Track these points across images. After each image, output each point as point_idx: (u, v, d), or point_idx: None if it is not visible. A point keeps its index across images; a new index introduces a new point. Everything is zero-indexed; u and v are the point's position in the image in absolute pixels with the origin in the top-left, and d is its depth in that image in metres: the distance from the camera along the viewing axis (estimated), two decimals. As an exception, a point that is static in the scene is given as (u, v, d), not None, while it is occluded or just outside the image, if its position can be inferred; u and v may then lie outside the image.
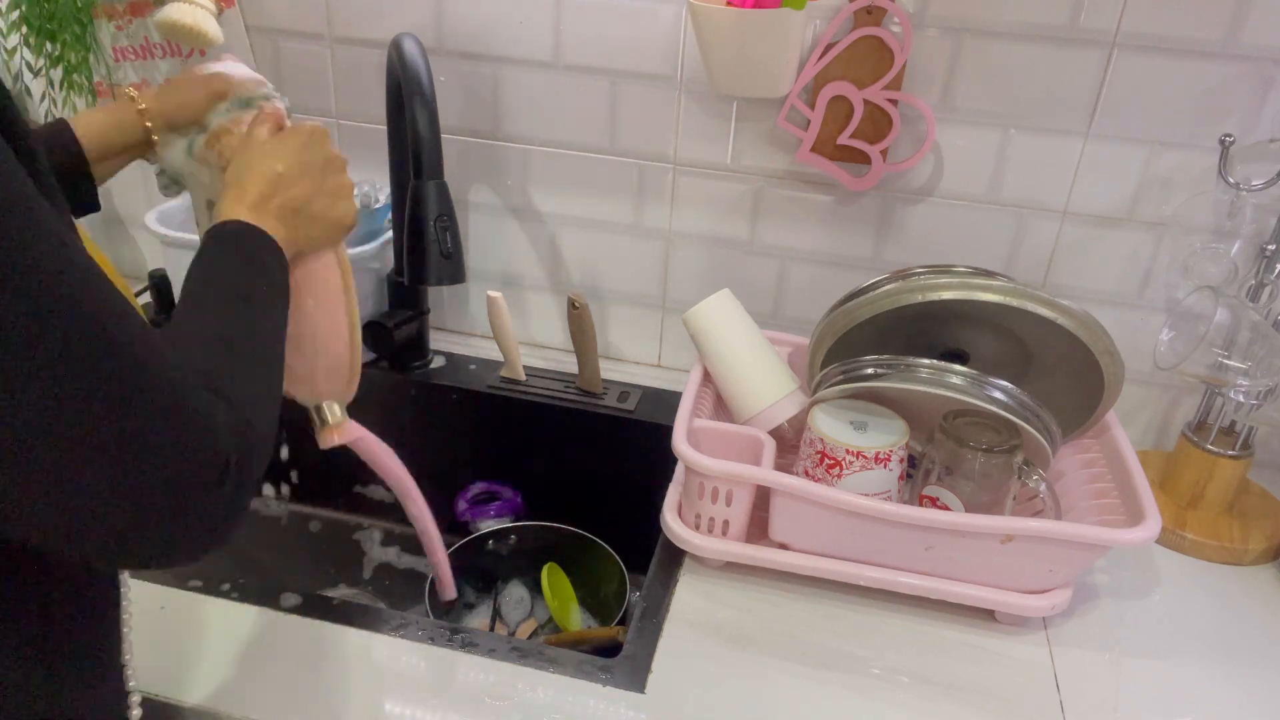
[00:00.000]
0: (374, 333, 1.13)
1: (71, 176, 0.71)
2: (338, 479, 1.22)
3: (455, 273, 0.93)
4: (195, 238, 1.10)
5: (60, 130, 0.71)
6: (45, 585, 0.52)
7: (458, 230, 0.93)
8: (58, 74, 1.15)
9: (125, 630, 0.59)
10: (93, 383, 0.41)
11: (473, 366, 1.20)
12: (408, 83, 0.90)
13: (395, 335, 1.13)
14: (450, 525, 1.18)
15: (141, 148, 0.75)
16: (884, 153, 1.02)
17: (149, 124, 0.74)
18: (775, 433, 0.95)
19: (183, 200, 1.21)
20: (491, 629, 1.08)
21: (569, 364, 1.19)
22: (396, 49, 0.93)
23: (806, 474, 0.87)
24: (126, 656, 0.60)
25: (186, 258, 1.19)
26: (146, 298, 1.26)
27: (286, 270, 0.64)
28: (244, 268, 0.61)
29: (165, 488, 0.44)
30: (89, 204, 0.73)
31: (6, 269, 0.38)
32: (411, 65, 0.90)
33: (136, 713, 0.61)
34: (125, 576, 0.59)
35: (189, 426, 0.45)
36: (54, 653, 0.53)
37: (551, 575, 1.10)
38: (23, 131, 0.45)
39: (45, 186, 0.45)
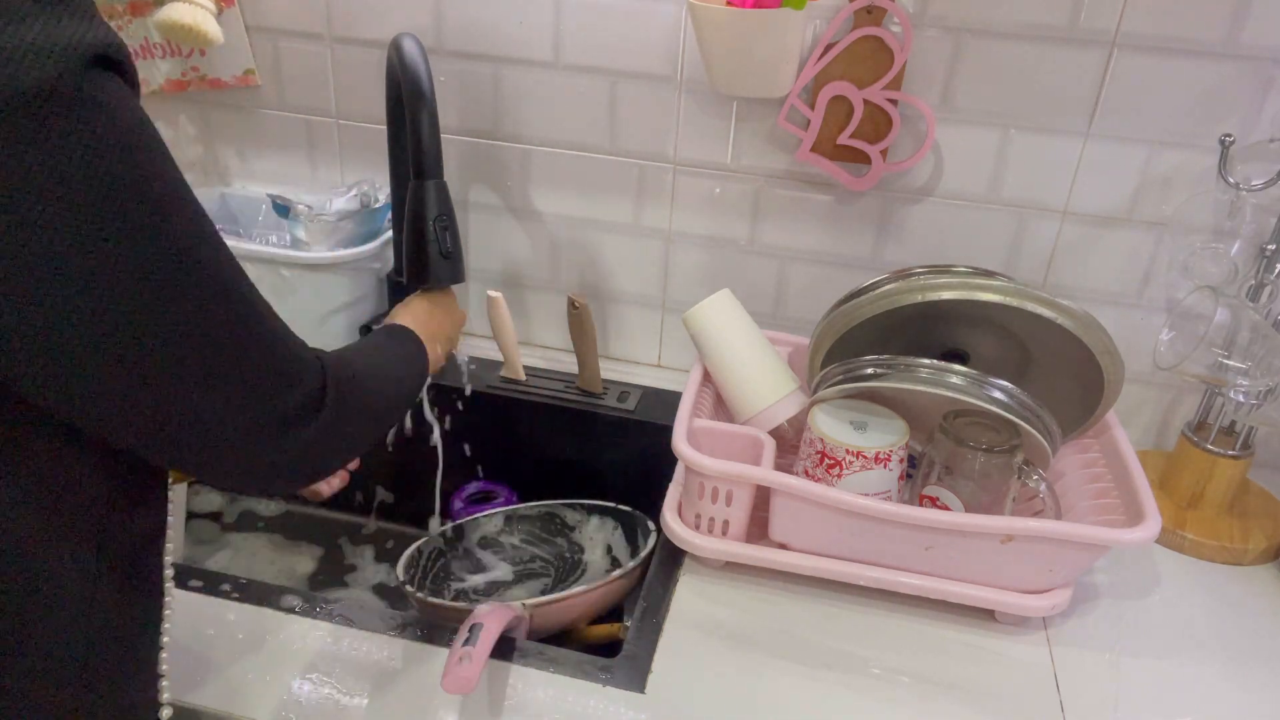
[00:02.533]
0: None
1: None
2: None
3: (455, 273, 0.93)
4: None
5: None
6: (90, 604, 0.53)
7: (457, 230, 0.93)
8: (57, 74, 1.14)
9: (164, 640, 0.60)
10: (227, 321, 0.50)
11: (473, 367, 1.20)
12: (408, 83, 0.90)
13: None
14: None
15: None
16: (884, 153, 1.02)
17: None
18: (775, 433, 0.95)
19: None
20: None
21: (569, 364, 1.19)
22: (396, 49, 0.93)
23: (806, 474, 0.87)
24: (164, 668, 0.60)
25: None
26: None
27: (426, 361, 0.80)
28: (402, 345, 0.78)
29: (266, 385, 0.53)
30: None
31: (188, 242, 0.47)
32: (411, 66, 0.90)
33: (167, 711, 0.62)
34: (170, 586, 0.60)
35: (291, 357, 0.55)
36: (93, 670, 0.54)
37: None
38: None
39: None
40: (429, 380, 0.81)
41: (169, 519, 0.59)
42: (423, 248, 0.91)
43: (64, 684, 0.53)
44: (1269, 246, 0.94)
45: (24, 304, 0.42)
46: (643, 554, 0.93)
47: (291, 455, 0.55)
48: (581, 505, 1.11)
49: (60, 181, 0.41)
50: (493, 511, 1.13)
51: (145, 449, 0.51)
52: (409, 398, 0.74)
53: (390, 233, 1.15)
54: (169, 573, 0.60)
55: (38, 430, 0.48)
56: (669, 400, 1.10)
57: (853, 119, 1.01)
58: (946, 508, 0.85)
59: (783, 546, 0.88)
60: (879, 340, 0.92)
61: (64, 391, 0.45)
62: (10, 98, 0.39)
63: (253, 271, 1.19)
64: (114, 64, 0.44)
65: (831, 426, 0.87)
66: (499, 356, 1.18)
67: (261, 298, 0.53)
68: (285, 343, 0.54)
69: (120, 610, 0.56)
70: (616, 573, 0.90)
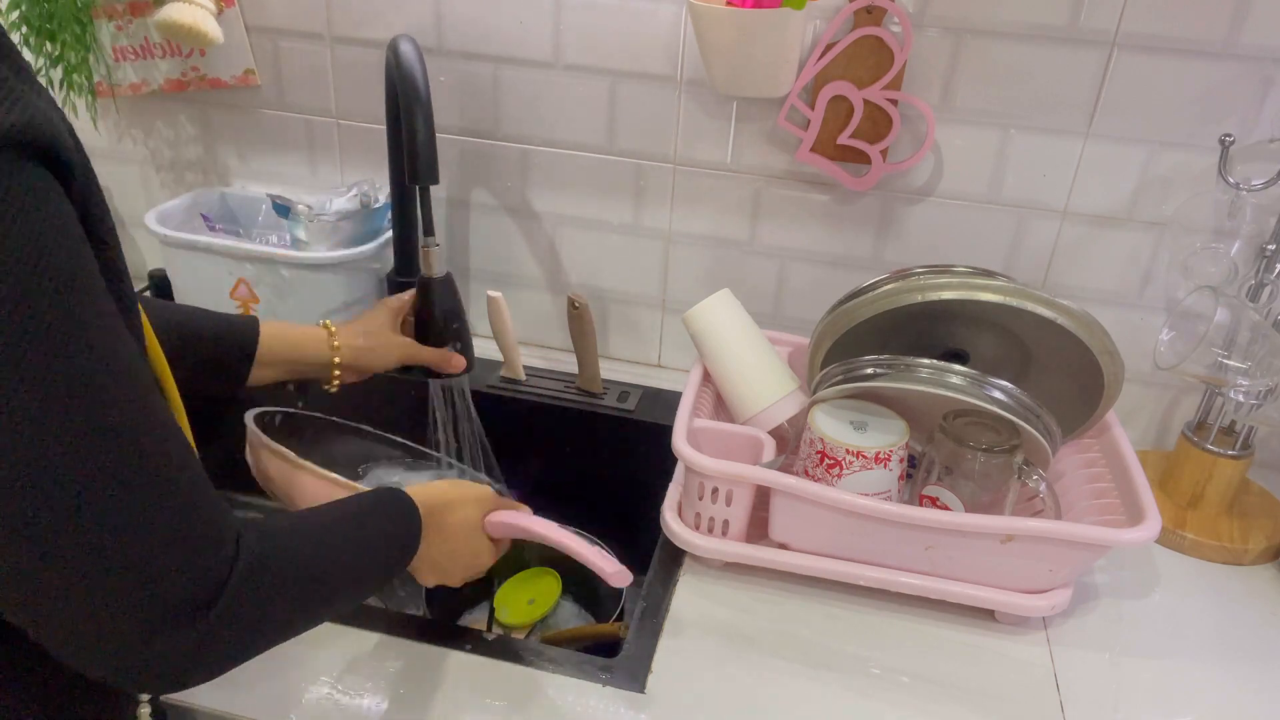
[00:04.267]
0: None
1: (228, 364, 0.79)
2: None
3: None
4: (193, 237, 1.11)
5: (248, 323, 0.80)
6: None
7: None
8: (57, 74, 1.15)
9: None
10: (114, 477, 0.42)
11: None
12: (403, 86, 0.90)
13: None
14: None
15: (317, 373, 0.85)
16: (884, 153, 1.02)
17: (337, 359, 0.84)
18: (775, 433, 0.95)
19: (181, 200, 1.21)
20: (489, 629, 1.08)
21: (569, 364, 1.18)
22: (393, 52, 0.93)
23: (806, 474, 0.87)
24: None
25: (186, 256, 1.19)
26: (146, 295, 1.26)
27: (412, 551, 0.67)
28: (383, 529, 0.64)
29: (154, 561, 0.43)
30: (230, 394, 0.80)
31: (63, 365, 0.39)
32: (407, 68, 0.90)
33: (145, 709, 0.61)
34: None
35: (192, 535, 0.45)
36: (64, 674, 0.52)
37: (507, 593, 1.09)
38: (111, 238, 0.46)
39: (125, 299, 0.47)
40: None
41: None
42: (412, 251, 0.92)
43: (38, 690, 0.52)
44: (1269, 246, 0.94)
45: None
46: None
47: (175, 654, 0.45)
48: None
49: None
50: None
51: None
52: (370, 585, 0.62)
53: (390, 233, 1.15)
54: None
55: None
56: (669, 400, 1.10)
57: (853, 119, 1.01)
58: (946, 508, 0.85)
59: (783, 546, 0.88)
60: (879, 340, 0.92)
61: None
62: None
63: (253, 271, 1.20)
64: (19, 147, 0.38)
65: (831, 426, 0.87)
66: (499, 356, 1.18)
67: (173, 441, 0.45)
68: (187, 508, 0.45)
69: None
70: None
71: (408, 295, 0.94)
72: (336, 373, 0.86)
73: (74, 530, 0.41)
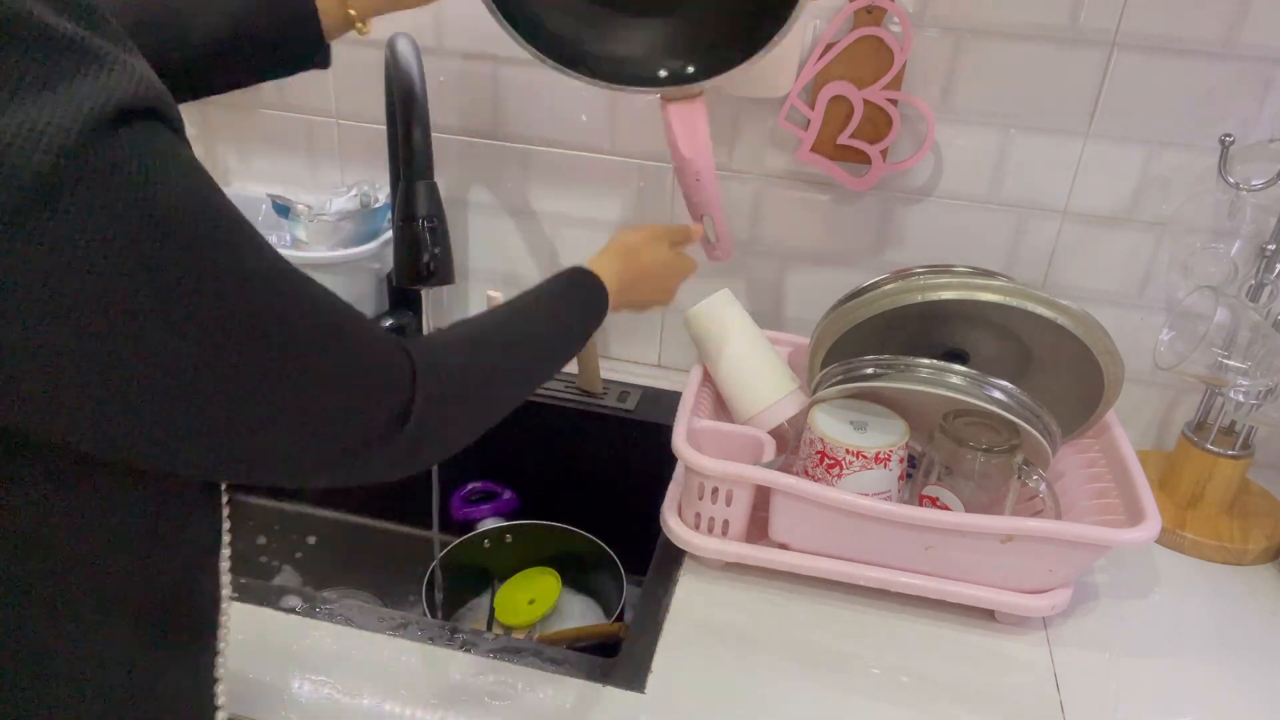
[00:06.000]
0: None
1: (297, 28, 0.79)
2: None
3: (444, 274, 0.93)
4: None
5: None
6: (152, 602, 0.52)
7: (447, 231, 0.92)
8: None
9: (221, 645, 0.59)
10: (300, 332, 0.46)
11: (472, 366, 1.20)
12: (400, 83, 0.90)
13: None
14: (446, 524, 1.17)
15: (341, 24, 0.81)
16: (884, 153, 1.02)
17: (352, 11, 0.81)
18: (775, 433, 0.95)
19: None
20: (489, 628, 1.08)
21: (569, 364, 1.18)
22: (391, 50, 0.93)
23: (806, 474, 0.87)
24: (219, 672, 0.59)
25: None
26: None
27: (599, 321, 0.76)
28: (565, 308, 0.72)
29: (343, 415, 0.49)
30: (319, 58, 0.81)
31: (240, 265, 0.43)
32: (404, 66, 0.90)
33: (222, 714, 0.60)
34: (226, 594, 0.58)
35: (371, 372, 0.50)
36: (151, 669, 0.53)
37: (507, 593, 1.09)
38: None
39: None
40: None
41: (225, 525, 0.56)
42: (411, 249, 0.91)
43: (113, 701, 0.52)
44: (1269, 246, 0.94)
45: (72, 377, 0.39)
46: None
47: (380, 467, 0.52)
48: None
49: (88, 260, 0.37)
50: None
51: (217, 478, 0.49)
52: (553, 364, 0.69)
53: (390, 233, 1.15)
54: (226, 579, 0.57)
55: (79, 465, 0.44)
56: (669, 400, 1.10)
57: (853, 119, 1.01)
58: (946, 508, 0.85)
59: (783, 546, 0.88)
60: (879, 340, 0.92)
61: (137, 447, 0.43)
62: (12, 191, 0.35)
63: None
64: (141, 112, 0.39)
65: (831, 426, 0.87)
66: (499, 356, 1.17)
67: (334, 306, 0.49)
68: (362, 355, 0.50)
69: (173, 627, 0.54)
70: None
71: None
72: (352, 11, 0.81)
73: (300, 379, 0.46)
